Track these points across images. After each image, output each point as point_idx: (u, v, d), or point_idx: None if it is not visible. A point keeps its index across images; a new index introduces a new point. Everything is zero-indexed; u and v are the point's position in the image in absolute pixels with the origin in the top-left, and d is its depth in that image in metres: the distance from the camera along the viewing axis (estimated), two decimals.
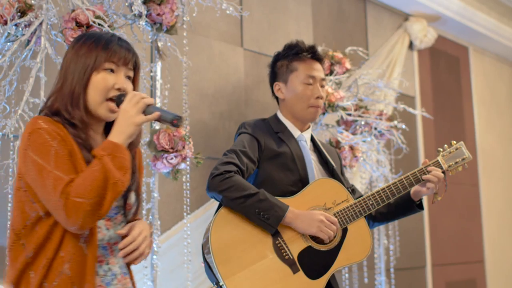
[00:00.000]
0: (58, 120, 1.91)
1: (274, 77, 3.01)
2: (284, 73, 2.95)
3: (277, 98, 3.04)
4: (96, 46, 1.97)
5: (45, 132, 1.84)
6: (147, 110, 1.92)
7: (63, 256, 1.84)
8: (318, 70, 2.96)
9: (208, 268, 2.60)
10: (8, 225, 2.81)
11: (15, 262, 1.85)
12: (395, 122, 4.31)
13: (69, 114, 1.91)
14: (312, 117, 2.95)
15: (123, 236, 1.98)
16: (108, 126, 2.03)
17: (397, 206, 2.94)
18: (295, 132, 2.94)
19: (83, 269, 1.86)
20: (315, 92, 2.92)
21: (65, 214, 1.77)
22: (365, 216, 2.84)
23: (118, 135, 1.87)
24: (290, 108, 2.94)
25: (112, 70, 1.97)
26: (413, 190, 2.89)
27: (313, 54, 2.96)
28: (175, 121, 1.92)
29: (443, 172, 2.87)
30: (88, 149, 1.91)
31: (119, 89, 1.97)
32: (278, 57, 3.01)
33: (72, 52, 1.99)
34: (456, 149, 2.92)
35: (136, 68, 2.05)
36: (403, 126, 4.35)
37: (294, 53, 2.94)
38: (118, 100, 1.96)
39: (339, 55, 4.27)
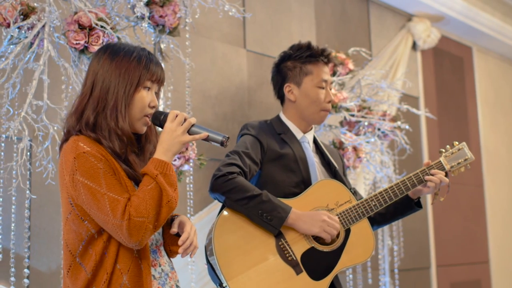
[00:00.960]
0: (95, 137, 1.96)
1: (283, 77, 3.01)
2: (297, 75, 2.95)
3: (281, 98, 3.03)
4: (138, 64, 2.02)
5: (89, 155, 1.91)
6: (191, 129, 2.01)
7: (121, 269, 1.92)
8: (329, 73, 3.00)
9: (211, 269, 2.61)
10: (13, 227, 2.82)
11: (76, 281, 1.93)
12: (399, 123, 4.31)
13: (117, 127, 1.98)
14: (322, 120, 2.99)
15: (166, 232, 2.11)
16: None
17: (395, 206, 2.94)
18: (298, 133, 2.94)
19: (140, 278, 1.95)
20: (327, 96, 2.95)
21: (128, 233, 1.86)
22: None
23: (165, 153, 1.97)
24: (300, 111, 2.95)
25: (148, 88, 2.05)
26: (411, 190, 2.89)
27: (328, 59, 2.98)
28: (224, 142, 2.01)
29: (445, 173, 2.87)
30: (127, 163, 2.00)
31: (153, 107, 2.06)
32: (288, 58, 3.01)
33: (111, 66, 2.02)
34: (459, 149, 2.92)
35: (163, 84, 2.13)
36: (407, 127, 4.34)
37: (309, 55, 2.95)
38: (155, 118, 2.06)
39: (342, 56, 4.26)
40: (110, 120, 1.98)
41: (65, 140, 2.03)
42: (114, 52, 2.05)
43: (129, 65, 2.01)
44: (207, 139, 2.01)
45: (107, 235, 1.93)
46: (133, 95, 2.01)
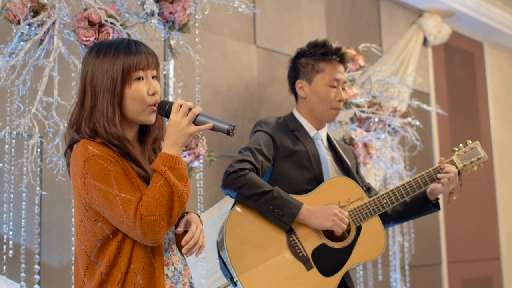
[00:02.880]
0: (101, 141, 1.95)
1: (296, 74, 3.00)
2: (309, 72, 2.95)
3: (295, 94, 3.03)
4: (117, 57, 1.98)
5: (99, 157, 1.90)
6: (196, 119, 1.96)
7: (134, 268, 1.93)
8: (342, 73, 2.98)
9: (223, 264, 2.62)
10: (23, 223, 2.83)
11: (91, 280, 1.94)
12: (409, 119, 4.29)
13: (107, 133, 1.95)
14: (332, 119, 2.98)
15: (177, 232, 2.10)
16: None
17: (413, 205, 2.94)
18: (311, 130, 2.94)
19: (153, 277, 1.95)
20: (338, 95, 2.93)
21: (142, 233, 1.86)
22: (380, 215, 2.84)
23: (173, 147, 1.94)
24: (310, 108, 2.94)
25: (141, 78, 2.00)
26: (429, 188, 2.88)
27: (341, 58, 2.96)
28: (230, 130, 1.96)
29: (458, 172, 2.86)
30: (136, 162, 1.98)
31: (153, 94, 2.01)
32: (302, 54, 3.00)
33: (94, 68, 2.00)
34: (472, 148, 2.91)
35: (157, 65, 2.08)
36: (417, 123, 4.32)
37: (322, 53, 2.93)
38: (160, 109, 2.01)
39: (352, 52, 4.25)
40: (100, 128, 1.96)
41: (69, 146, 2.02)
42: (96, 54, 2.01)
43: (109, 62, 1.98)
44: (213, 128, 1.97)
45: (122, 236, 1.93)
46: (122, 93, 1.97)
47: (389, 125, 4.19)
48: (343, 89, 2.99)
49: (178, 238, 2.13)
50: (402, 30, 5.73)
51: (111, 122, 1.96)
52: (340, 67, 2.98)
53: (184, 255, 2.14)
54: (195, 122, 1.96)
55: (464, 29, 6.53)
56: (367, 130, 4.17)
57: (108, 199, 1.87)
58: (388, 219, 2.96)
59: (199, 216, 2.17)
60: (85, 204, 1.94)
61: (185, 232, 2.10)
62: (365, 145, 4.06)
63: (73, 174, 1.96)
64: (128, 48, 2.00)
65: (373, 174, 4.48)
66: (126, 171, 1.94)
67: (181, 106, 1.96)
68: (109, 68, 1.97)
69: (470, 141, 2.93)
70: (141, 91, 1.99)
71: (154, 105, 2.01)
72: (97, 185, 1.88)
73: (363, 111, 4.13)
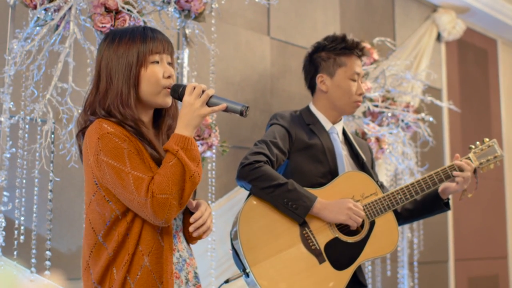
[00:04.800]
0: (116, 121, 1.95)
1: (316, 68, 2.99)
2: (331, 66, 2.94)
3: (312, 88, 3.01)
4: (133, 42, 2.00)
5: (113, 135, 1.90)
6: (210, 101, 1.96)
7: (142, 250, 1.92)
8: (361, 66, 2.99)
9: (236, 255, 2.63)
10: (35, 209, 2.82)
11: (98, 261, 1.93)
12: (423, 115, 4.26)
13: (121, 114, 1.96)
14: (353, 112, 3.00)
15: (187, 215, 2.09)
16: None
17: (424, 203, 2.93)
18: (327, 124, 2.94)
19: (161, 260, 1.94)
20: (359, 89, 2.94)
21: (152, 211, 1.85)
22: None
23: (186, 127, 1.94)
24: (332, 101, 2.94)
25: (157, 62, 2.01)
26: (441, 187, 2.87)
27: (361, 52, 2.98)
28: (244, 111, 1.95)
29: (474, 169, 2.85)
30: (149, 144, 1.98)
31: (169, 77, 2.02)
32: (322, 48, 2.99)
33: (109, 53, 2.01)
34: (488, 146, 2.89)
35: (172, 53, 2.09)
36: (431, 119, 4.30)
37: (344, 47, 2.93)
38: (173, 91, 2.01)
39: (367, 45, 4.22)
40: (114, 109, 1.97)
41: (81, 130, 2.02)
42: (111, 40, 2.03)
43: (125, 46, 1.99)
44: (226, 109, 1.97)
45: (131, 216, 1.93)
46: (138, 76, 1.98)
47: (402, 120, 4.17)
48: (362, 82, 2.99)
49: (186, 225, 2.12)
50: (416, 25, 5.70)
51: (125, 103, 1.97)
52: (359, 61, 2.99)
53: (191, 246, 2.13)
54: (208, 103, 1.96)
55: (478, 25, 6.49)
56: (380, 125, 4.15)
57: (120, 177, 1.87)
58: (398, 217, 2.94)
59: (207, 203, 2.16)
60: (96, 182, 1.94)
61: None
62: (378, 140, 4.04)
63: (86, 152, 1.95)
64: (145, 33, 2.02)
65: (384, 169, 4.46)
66: (139, 151, 1.93)
67: (194, 88, 1.96)
68: (124, 51, 1.99)
69: (487, 139, 2.91)
70: (156, 73, 2.00)
71: (169, 88, 2.02)
72: (110, 162, 1.88)
73: (376, 106, 4.11)
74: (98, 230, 1.94)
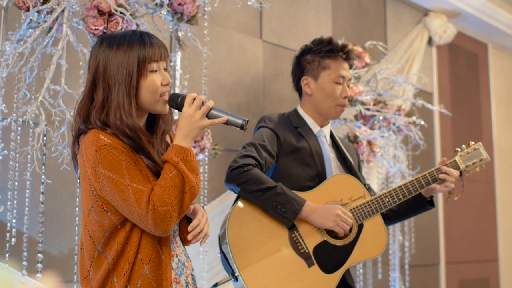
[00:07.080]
0: (112, 132, 1.95)
1: (301, 70, 3.00)
2: (315, 69, 2.95)
3: (300, 91, 3.03)
4: (132, 49, 1.98)
5: (111, 147, 1.91)
6: (209, 113, 1.97)
7: (142, 259, 1.94)
8: (347, 70, 2.99)
9: (224, 258, 2.63)
10: (27, 211, 2.82)
11: (98, 270, 1.95)
12: (414, 118, 4.28)
13: (123, 125, 1.95)
14: (337, 116, 2.99)
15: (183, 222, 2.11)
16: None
17: (408, 203, 2.95)
18: (315, 127, 2.95)
19: (160, 268, 1.96)
20: (344, 92, 2.94)
21: (153, 223, 1.87)
22: None
23: (185, 139, 1.95)
24: (316, 104, 2.95)
25: (155, 70, 2.01)
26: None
27: (347, 55, 2.97)
28: (244, 125, 1.97)
29: (460, 172, 2.87)
30: (148, 155, 1.98)
31: (167, 84, 2.02)
32: (307, 51, 3.00)
33: (107, 59, 1.98)
34: (474, 149, 2.92)
35: (167, 57, 2.09)
36: (422, 122, 4.32)
37: (328, 50, 2.94)
38: (171, 101, 2.02)
39: (358, 49, 4.24)
40: (115, 119, 1.95)
41: (76, 137, 2.02)
42: (108, 46, 2.00)
43: (123, 55, 1.97)
44: (226, 122, 1.97)
45: (130, 226, 1.94)
46: (138, 85, 1.97)
47: (393, 124, 4.19)
48: (348, 86, 2.99)
49: (182, 229, 2.13)
50: (408, 29, 5.72)
51: (128, 114, 1.96)
52: (346, 64, 2.98)
53: (186, 247, 2.15)
54: (208, 115, 1.97)
55: (469, 29, 6.52)
56: (371, 128, 4.16)
57: (119, 189, 1.88)
58: (384, 219, 2.96)
59: (203, 208, 2.17)
60: (95, 193, 1.94)
61: (189, 221, 2.10)
62: (369, 143, 4.06)
63: (82, 162, 1.95)
64: (142, 40, 2.01)
65: (376, 172, 4.48)
66: (136, 162, 1.94)
67: (194, 99, 1.96)
68: (123, 59, 1.97)
69: (472, 142, 2.94)
70: (155, 82, 2.00)
71: (165, 96, 2.02)
72: (108, 174, 1.89)
73: (368, 109, 4.13)
74: (97, 240, 1.95)
